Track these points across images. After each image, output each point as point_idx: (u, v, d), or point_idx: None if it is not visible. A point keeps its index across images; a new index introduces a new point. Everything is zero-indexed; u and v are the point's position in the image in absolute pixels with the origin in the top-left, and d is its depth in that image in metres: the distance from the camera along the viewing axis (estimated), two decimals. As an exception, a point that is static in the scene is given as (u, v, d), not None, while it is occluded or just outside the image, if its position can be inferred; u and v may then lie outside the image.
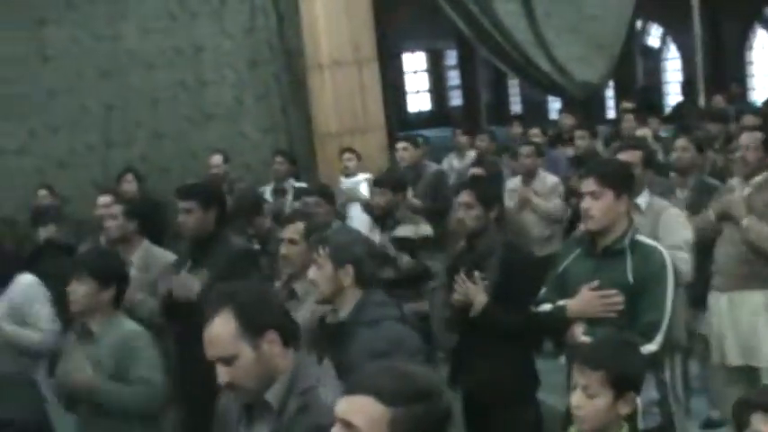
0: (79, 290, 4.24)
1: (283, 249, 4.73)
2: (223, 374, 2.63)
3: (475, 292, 4.62)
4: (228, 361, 2.62)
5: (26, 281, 5.22)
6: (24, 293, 5.13)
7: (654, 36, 20.71)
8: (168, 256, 5.68)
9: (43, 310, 5.07)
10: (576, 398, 3.05)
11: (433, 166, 8.80)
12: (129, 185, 8.56)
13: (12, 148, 9.52)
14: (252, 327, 2.63)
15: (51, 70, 9.63)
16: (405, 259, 6.21)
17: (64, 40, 9.66)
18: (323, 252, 3.70)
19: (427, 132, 12.24)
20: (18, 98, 9.51)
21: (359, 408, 2.11)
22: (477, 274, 4.64)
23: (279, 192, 8.66)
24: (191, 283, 4.85)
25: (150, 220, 5.91)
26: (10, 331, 5.01)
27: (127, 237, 5.68)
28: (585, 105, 10.49)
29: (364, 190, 8.18)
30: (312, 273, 3.76)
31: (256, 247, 6.34)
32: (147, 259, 5.61)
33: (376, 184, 6.68)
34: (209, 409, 3.04)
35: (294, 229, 4.73)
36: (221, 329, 2.62)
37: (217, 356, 2.63)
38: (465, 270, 4.73)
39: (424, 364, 3.48)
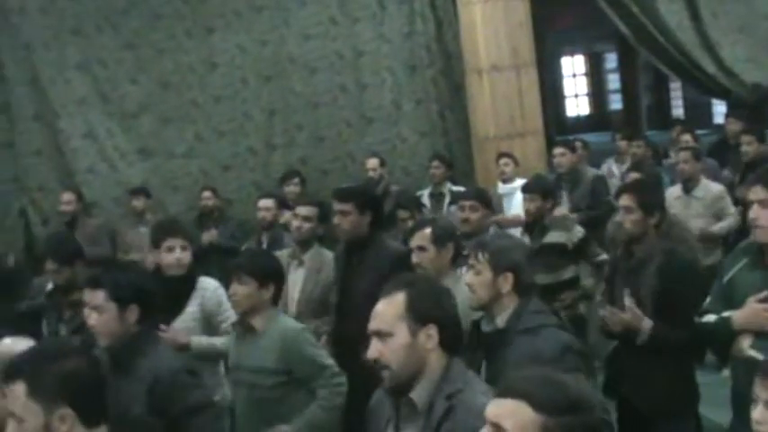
0: (240, 290, 4.37)
1: (414, 257, 4.76)
2: (373, 349, 2.73)
3: (638, 320, 4.45)
4: (383, 337, 2.72)
5: (212, 285, 5.09)
6: (215, 298, 5.03)
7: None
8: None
9: (229, 312, 4.95)
10: (759, 413, 2.90)
11: (591, 172, 8.63)
12: (295, 188, 8.77)
13: (179, 151, 9.90)
14: (416, 314, 2.71)
15: (218, 77, 9.98)
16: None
17: (230, 47, 9.99)
18: (482, 257, 3.67)
19: (586, 137, 12.02)
20: (187, 104, 9.89)
21: (510, 412, 2.09)
22: (627, 301, 4.51)
23: (436, 196, 8.69)
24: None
25: (323, 222, 6.01)
26: (206, 345, 4.91)
27: (307, 239, 5.79)
28: (754, 109, 10.04)
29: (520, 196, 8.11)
30: (469, 278, 3.73)
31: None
32: (319, 260, 5.71)
33: (525, 190, 6.60)
34: (365, 407, 3.08)
35: (422, 236, 4.76)
36: (388, 306, 2.73)
37: (375, 330, 2.74)
38: (622, 278, 4.62)
39: (588, 369, 3.42)
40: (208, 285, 5.05)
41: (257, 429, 4.36)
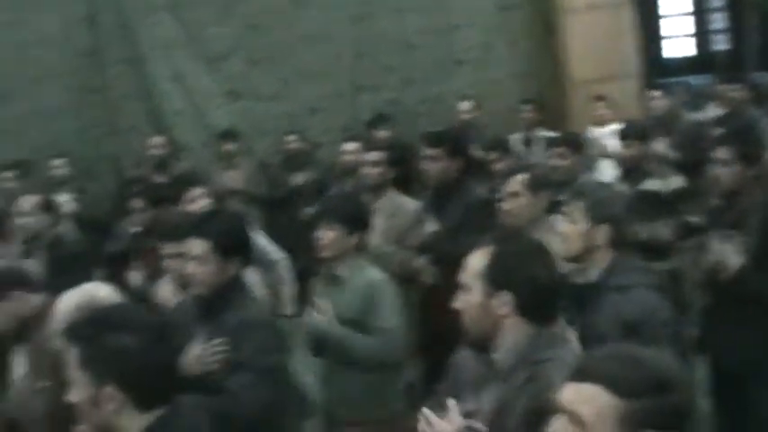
0: (328, 235, 4.29)
1: (506, 204, 4.57)
2: (457, 299, 2.71)
3: (729, 253, 4.24)
4: (464, 289, 2.69)
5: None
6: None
7: None
8: (413, 205, 5.65)
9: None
10: None
11: (690, 117, 8.30)
12: (382, 132, 8.64)
13: (267, 93, 9.84)
14: (492, 277, 2.63)
15: (306, 18, 9.84)
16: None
17: (318, -14, 9.85)
18: (578, 206, 3.49)
19: (688, 79, 11.58)
20: (274, 46, 9.81)
21: (587, 398, 1.88)
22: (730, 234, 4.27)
23: (527, 141, 8.47)
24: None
25: (402, 167, 5.88)
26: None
27: (380, 184, 5.67)
28: None
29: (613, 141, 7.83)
30: (562, 227, 3.57)
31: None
32: (394, 207, 5.59)
33: (622, 135, 6.34)
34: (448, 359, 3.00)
35: (516, 182, 4.56)
36: (475, 261, 2.68)
37: (459, 280, 2.71)
38: (722, 229, 4.39)
39: (672, 338, 3.24)
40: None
41: (341, 378, 4.30)
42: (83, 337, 2.34)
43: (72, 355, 2.35)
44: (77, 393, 2.35)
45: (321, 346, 4.27)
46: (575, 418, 1.89)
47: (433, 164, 5.17)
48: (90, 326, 2.37)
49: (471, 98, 9.11)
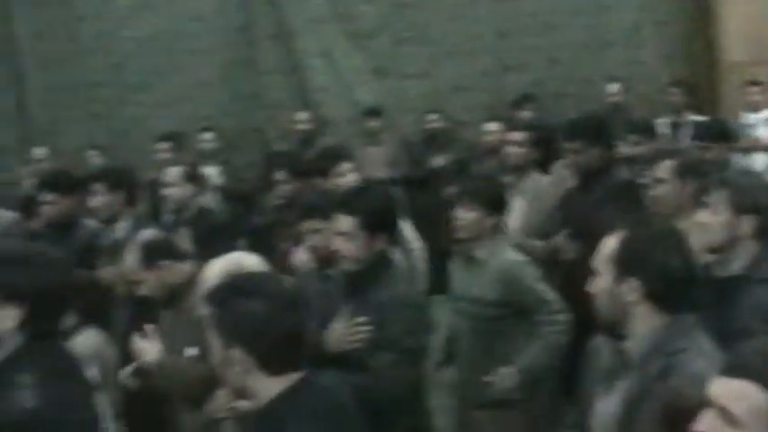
0: (467, 216, 4.28)
1: (652, 190, 4.44)
2: (592, 282, 2.69)
3: None
4: (596, 274, 2.67)
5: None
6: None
7: None
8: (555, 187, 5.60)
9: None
10: None
11: None
12: (526, 113, 8.57)
13: (412, 71, 9.87)
14: (621, 263, 2.59)
15: (453, -4, 9.83)
16: None
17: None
18: (721, 195, 3.38)
19: None
20: (420, 24, 9.83)
21: (740, 394, 1.83)
22: None
23: (675, 125, 8.25)
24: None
25: (545, 148, 5.81)
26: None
27: (522, 165, 5.62)
28: None
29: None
30: (704, 217, 3.46)
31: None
32: (537, 189, 5.54)
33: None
34: (584, 345, 2.97)
35: (663, 168, 4.41)
36: (608, 246, 2.65)
37: (593, 264, 2.70)
38: None
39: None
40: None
41: (479, 361, 4.31)
42: (216, 301, 2.44)
43: (209, 318, 2.45)
44: (214, 353, 2.45)
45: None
46: (726, 415, 1.84)
47: (576, 156, 5.09)
48: (224, 290, 2.46)
49: (620, 80, 8.90)
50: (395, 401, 3.48)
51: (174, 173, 6.04)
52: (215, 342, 2.42)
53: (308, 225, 4.26)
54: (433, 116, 9.17)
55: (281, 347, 2.38)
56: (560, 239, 5.14)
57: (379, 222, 3.65)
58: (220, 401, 3.41)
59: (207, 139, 9.07)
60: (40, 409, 2.49)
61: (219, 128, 9.53)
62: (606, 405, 2.59)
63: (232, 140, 9.85)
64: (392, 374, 3.46)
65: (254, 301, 2.37)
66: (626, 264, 2.58)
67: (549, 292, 4.27)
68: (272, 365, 2.39)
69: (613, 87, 8.78)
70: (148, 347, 3.82)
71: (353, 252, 3.63)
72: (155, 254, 4.23)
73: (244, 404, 3.12)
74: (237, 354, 2.36)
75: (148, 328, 3.87)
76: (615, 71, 9.37)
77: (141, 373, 3.91)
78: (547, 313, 4.21)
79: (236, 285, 2.48)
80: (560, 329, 4.22)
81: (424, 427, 3.97)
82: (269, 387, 2.39)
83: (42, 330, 2.65)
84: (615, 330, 2.63)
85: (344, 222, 3.64)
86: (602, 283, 2.64)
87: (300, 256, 4.44)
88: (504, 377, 4.18)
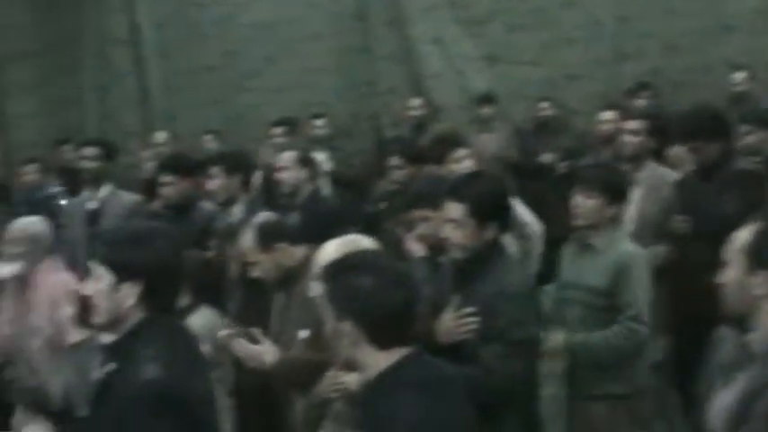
0: (585, 204, 4.23)
1: None
2: (720, 273, 2.67)
3: None
4: (727, 264, 2.65)
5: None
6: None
7: None
8: (673, 176, 5.49)
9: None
10: None
11: None
12: (642, 101, 8.39)
13: (525, 58, 9.78)
14: (752, 257, 2.54)
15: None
16: None
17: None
18: None
19: None
20: (534, 11, 9.73)
21: None
22: None
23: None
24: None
25: (662, 138, 5.70)
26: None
27: (639, 154, 5.53)
28: None
29: None
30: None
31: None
32: (657, 179, 5.44)
33: None
34: (702, 338, 2.91)
35: None
36: (740, 238, 2.63)
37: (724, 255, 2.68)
38: None
39: None
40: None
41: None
42: (330, 275, 2.56)
43: (323, 292, 2.56)
44: (328, 326, 2.56)
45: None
46: None
47: (695, 154, 4.99)
48: (337, 266, 2.59)
49: (745, 68, 8.60)
50: (504, 393, 3.46)
51: (288, 157, 6.13)
52: (328, 316, 2.52)
53: (418, 213, 4.27)
54: (545, 104, 9.07)
55: (389, 322, 2.47)
56: (677, 220, 5.05)
57: (489, 210, 3.62)
58: (329, 381, 3.46)
59: (318, 125, 9.18)
60: (163, 382, 2.57)
61: (332, 114, 9.63)
62: (723, 398, 2.54)
63: (345, 127, 9.95)
64: (501, 366, 3.44)
65: (365, 276, 2.48)
66: (757, 257, 2.53)
67: (642, 301, 4.16)
68: (381, 339, 2.48)
69: (739, 76, 8.45)
70: (263, 350, 3.89)
71: (462, 240, 3.62)
72: (270, 236, 4.31)
73: (352, 383, 3.17)
74: (348, 327, 2.46)
75: (255, 331, 3.94)
76: (737, 58, 9.08)
77: (259, 373, 3.98)
78: (629, 319, 4.11)
79: (349, 261, 2.60)
80: (631, 339, 4.11)
81: (533, 418, 3.95)
82: (378, 360, 2.48)
83: (160, 307, 2.74)
84: (741, 322, 2.58)
85: (454, 209, 3.63)
86: (731, 274, 2.61)
87: (412, 244, 4.46)
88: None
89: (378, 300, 2.45)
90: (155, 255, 2.72)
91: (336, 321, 2.48)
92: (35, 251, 5.05)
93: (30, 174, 8.57)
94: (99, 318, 2.75)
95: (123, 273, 2.69)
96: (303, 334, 3.90)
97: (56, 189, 7.80)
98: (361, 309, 2.46)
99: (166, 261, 2.75)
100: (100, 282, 2.71)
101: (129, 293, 2.69)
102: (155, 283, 2.71)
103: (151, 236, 2.78)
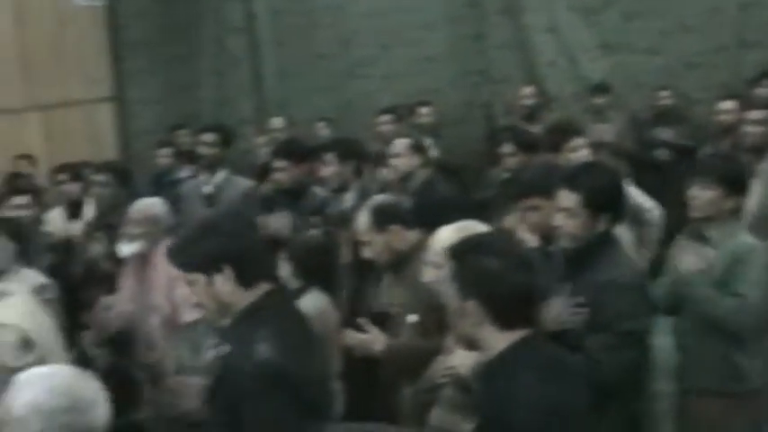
0: (703, 195, 4.14)
1: None
2: None
3: None
4: None
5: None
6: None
7: None
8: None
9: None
10: None
11: None
12: (763, 90, 8.13)
13: (642, 47, 9.57)
14: None
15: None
16: None
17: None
18: None
19: None
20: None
21: None
22: None
23: None
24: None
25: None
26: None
27: (760, 145, 5.36)
28: None
29: None
30: None
31: None
32: None
33: None
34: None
35: None
36: None
37: None
38: None
39: None
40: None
41: (700, 344, 4.17)
42: (456, 254, 2.63)
43: (448, 270, 2.62)
44: (449, 304, 2.62)
45: (678, 302, 4.15)
46: None
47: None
48: (464, 246, 2.66)
49: None
50: (609, 384, 3.41)
51: (401, 144, 6.15)
52: (451, 294, 2.58)
53: (529, 202, 4.25)
54: (664, 93, 8.88)
55: (512, 303, 2.54)
56: None
57: (603, 201, 3.59)
58: (439, 367, 3.47)
59: (424, 113, 9.17)
60: (276, 362, 2.62)
61: (445, 102, 9.61)
62: None
63: (458, 115, 9.92)
64: (607, 357, 3.40)
65: (491, 257, 2.55)
66: None
67: (756, 296, 4.03)
68: (504, 319, 2.55)
69: None
70: (372, 338, 3.94)
71: (574, 229, 3.59)
72: (385, 218, 4.34)
73: (462, 368, 3.18)
74: (472, 306, 2.53)
75: (362, 321, 3.99)
76: None
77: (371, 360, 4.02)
78: (740, 301, 4.00)
79: (476, 242, 2.68)
80: (742, 319, 4.00)
81: (642, 412, 3.89)
82: (499, 340, 2.55)
83: (261, 280, 2.84)
84: None
85: (567, 198, 3.60)
86: None
87: (524, 233, 4.44)
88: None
89: (504, 281, 2.52)
90: (227, 237, 2.82)
91: (461, 300, 2.55)
92: (155, 232, 5.19)
93: (163, 157, 8.83)
94: (209, 314, 2.86)
95: (207, 267, 2.80)
96: (411, 318, 3.92)
97: (186, 173, 8.01)
98: (486, 289, 2.52)
99: (239, 238, 2.85)
100: (195, 284, 2.84)
101: (224, 282, 2.77)
102: (241, 262, 2.80)
103: (214, 224, 2.90)
